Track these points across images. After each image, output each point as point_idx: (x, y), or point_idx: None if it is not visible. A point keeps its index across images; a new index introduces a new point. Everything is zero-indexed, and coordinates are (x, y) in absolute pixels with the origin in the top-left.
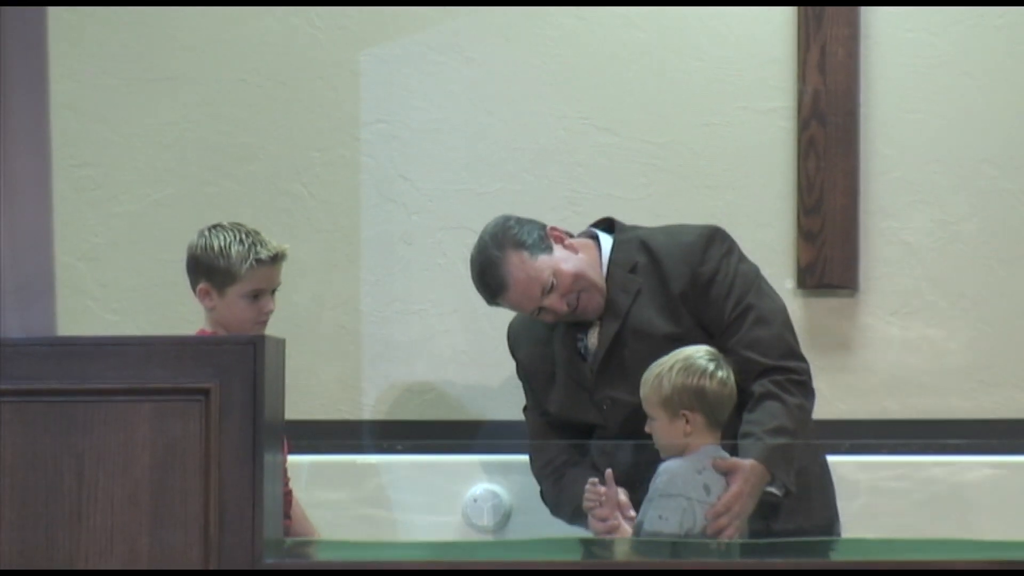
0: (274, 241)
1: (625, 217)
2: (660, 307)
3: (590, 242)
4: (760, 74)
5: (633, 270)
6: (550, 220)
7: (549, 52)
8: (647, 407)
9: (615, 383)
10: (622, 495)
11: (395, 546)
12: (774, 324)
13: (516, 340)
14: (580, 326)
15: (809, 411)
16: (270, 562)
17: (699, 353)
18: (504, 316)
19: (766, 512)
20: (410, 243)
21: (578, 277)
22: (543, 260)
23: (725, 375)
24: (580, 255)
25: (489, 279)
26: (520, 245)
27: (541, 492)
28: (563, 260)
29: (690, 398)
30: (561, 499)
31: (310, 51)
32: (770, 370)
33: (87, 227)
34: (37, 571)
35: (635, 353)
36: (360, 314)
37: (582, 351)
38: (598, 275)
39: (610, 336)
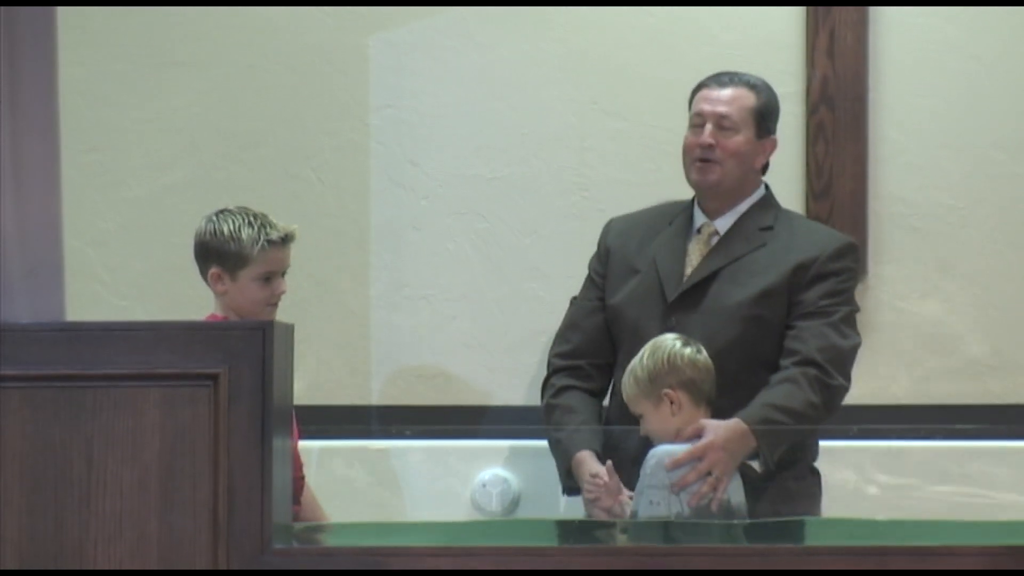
0: (282, 222)
1: (634, 202)
2: (771, 266)
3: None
4: (769, 59)
5: (765, 229)
6: (559, 205)
7: (558, 37)
8: (633, 408)
9: (690, 309)
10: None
11: (404, 530)
12: (845, 340)
13: (613, 230)
14: (690, 235)
15: (821, 419)
16: (279, 547)
17: (664, 337)
18: (510, 304)
19: (758, 494)
20: (419, 228)
21: (738, 156)
22: (749, 130)
23: (693, 351)
24: (759, 171)
25: (722, 72)
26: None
27: (545, 380)
28: (748, 143)
29: (666, 375)
30: (551, 418)
31: (319, 36)
32: (812, 363)
33: (96, 212)
34: (40, 571)
35: (723, 294)
36: (369, 299)
37: (682, 264)
38: (740, 182)
39: (712, 267)
